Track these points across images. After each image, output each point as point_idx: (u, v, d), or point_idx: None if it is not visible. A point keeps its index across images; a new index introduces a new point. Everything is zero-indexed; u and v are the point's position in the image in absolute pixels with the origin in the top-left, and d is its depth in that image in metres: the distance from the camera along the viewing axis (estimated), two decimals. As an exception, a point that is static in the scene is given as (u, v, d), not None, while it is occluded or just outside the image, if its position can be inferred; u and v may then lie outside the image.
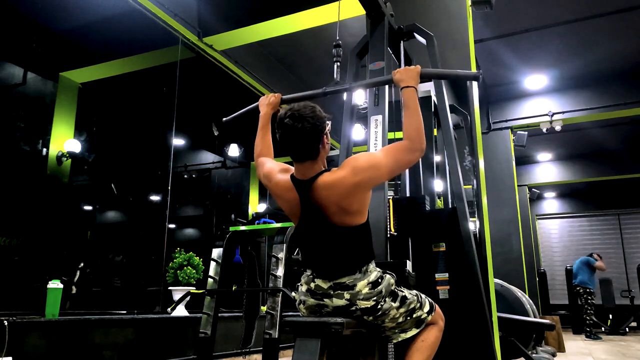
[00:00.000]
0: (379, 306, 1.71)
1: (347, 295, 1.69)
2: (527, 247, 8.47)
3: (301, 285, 1.83)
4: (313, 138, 1.69)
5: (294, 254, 2.90)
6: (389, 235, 2.36)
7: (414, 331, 1.81)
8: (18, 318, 2.49)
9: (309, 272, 1.81)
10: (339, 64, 2.22)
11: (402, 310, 1.76)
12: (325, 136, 1.76)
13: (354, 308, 1.70)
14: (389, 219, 2.40)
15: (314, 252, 1.78)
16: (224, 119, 2.40)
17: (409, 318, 1.78)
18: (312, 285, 1.77)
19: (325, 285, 1.73)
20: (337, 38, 2.38)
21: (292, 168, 1.81)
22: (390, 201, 2.48)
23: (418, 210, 2.56)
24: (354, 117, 2.82)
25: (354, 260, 1.71)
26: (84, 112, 4.25)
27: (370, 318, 1.73)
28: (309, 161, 1.72)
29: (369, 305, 1.69)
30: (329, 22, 4.59)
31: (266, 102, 2.14)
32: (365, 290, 1.69)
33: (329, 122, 1.78)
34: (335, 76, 2.03)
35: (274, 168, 1.88)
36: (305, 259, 1.83)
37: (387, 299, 1.72)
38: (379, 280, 1.72)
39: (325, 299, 1.74)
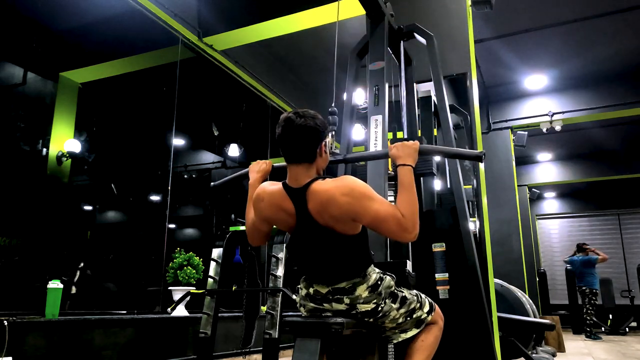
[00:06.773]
0: (379, 308, 1.71)
1: (346, 300, 1.69)
2: (527, 247, 8.46)
3: (300, 289, 1.83)
4: (312, 138, 1.69)
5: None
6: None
7: (414, 331, 1.81)
8: (18, 318, 2.49)
9: (306, 277, 1.81)
10: (334, 133, 2.05)
11: (402, 311, 1.76)
12: (324, 144, 1.74)
13: (354, 312, 1.70)
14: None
15: (311, 261, 1.76)
16: (212, 183, 2.30)
17: (409, 318, 1.79)
18: (311, 290, 1.76)
19: (323, 290, 1.73)
20: (333, 105, 2.23)
21: (279, 183, 1.77)
22: None
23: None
24: (354, 117, 2.83)
25: (353, 268, 1.70)
26: (84, 112, 4.24)
27: (371, 320, 1.73)
28: (304, 164, 1.70)
29: (369, 308, 1.70)
30: (329, 22, 4.59)
31: (257, 169, 2.03)
32: (365, 294, 1.69)
33: (329, 135, 1.77)
34: (331, 147, 1.84)
35: (260, 189, 1.80)
36: (302, 268, 1.81)
37: (387, 301, 1.72)
38: (379, 282, 1.72)
39: (324, 304, 1.74)
